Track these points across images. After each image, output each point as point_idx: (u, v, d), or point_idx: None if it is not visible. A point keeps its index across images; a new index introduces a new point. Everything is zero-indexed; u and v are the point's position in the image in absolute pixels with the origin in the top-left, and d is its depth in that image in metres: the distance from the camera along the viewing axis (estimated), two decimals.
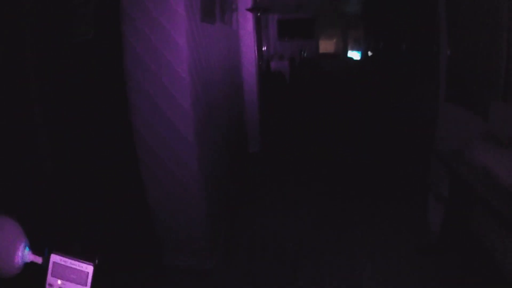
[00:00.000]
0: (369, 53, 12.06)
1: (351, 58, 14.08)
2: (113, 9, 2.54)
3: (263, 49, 11.70)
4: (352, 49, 14.11)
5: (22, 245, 0.89)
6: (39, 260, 0.91)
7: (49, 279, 0.90)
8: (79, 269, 0.90)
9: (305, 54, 13.79)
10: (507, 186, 2.33)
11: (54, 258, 0.90)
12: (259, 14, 5.61)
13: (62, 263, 0.90)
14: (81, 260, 0.91)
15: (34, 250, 0.92)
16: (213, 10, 3.34)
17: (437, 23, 4.55)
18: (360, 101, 10.70)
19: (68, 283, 0.90)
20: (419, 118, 6.73)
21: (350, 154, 5.93)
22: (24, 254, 0.90)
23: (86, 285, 0.90)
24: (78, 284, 0.90)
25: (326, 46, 14.41)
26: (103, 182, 2.91)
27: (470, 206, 3.36)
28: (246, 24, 5.44)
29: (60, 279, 0.90)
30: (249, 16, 5.46)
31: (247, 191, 4.73)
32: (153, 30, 2.52)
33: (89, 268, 0.90)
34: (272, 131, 7.21)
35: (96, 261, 0.91)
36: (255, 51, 5.55)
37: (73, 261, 0.91)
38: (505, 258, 2.97)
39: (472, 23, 3.69)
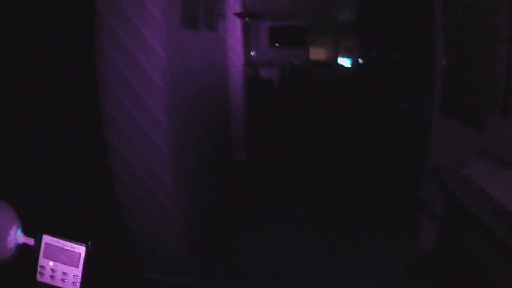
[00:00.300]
0: (360, 61, 11.95)
1: (342, 66, 13.97)
2: (90, 12, 2.34)
3: (252, 55, 11.53)
4: (343, 56, 14.00)
5: (14, 227, 0.88)
6: (31, 242, 0.89)
7: (41, 260, 0.89)
8: (71, 250, 0.88)
9: (295, 62, 13.64)
10: (503, 207, 2.17)
11: (46, 239, 0.88)
12: (247, 20, 5.41)
13: (55, 244, 0.88)
14: (74, 241, 0.89)
15: (27, 232, 0.91)
16: (197, 15, 3.15)
17: (432, 32, 4.40)
18: (351, 110, 10.57)
19: (60, 265, 0.88)
20: (412, 129, 6.59)
21: (338, 165, 5.75)
22: (17, 236, 0.89)
23: (78, 267, 0.88)
24: (70, 265, 0.88)
25: (317, 54, 14.29)
26: (76, 194, 2.69)
27: (465, 225, 3.19)
28: (234, 30, 5.25)
29: (52, 260, 0.88)
30: (238, 22, 5.27)
31: (231, 202, 4.54)
32: (128, 33, 2.32)
33: (81, 249, 0.88)
34: (258, 139, 7.02)
35: (89, 242, 0.89)
36: (242, 58, 5.36)
37: (65, 242, 0.89)
38: (499, 279, 2.81)
39: (470, 32, 3.54)
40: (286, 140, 7.31)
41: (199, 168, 3.41)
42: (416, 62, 6.57)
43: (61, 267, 0.89)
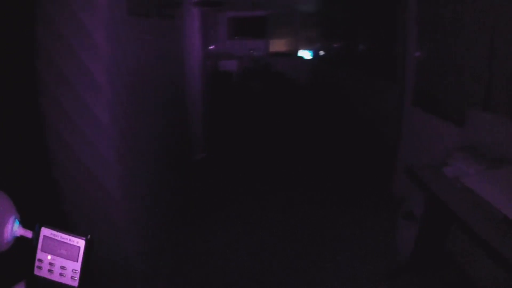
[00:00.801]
0: (321, 53, 11.75)
1: (302, 58, 13.75)
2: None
3: (211, 47, 11.09)
4: (304, 48, 13.79)
5: (12, 219, 0.86)
6: (29, 234, 0.87)
7: (39, 254, 0.86)
8: (70, 244, 0.85)
9: (255, 54, 13.32)
10: (491, 207, 1.98)
11: (45, 232, 0.86)
12: (206, 8, 5.05)
13: (53, 237, 0.86)
14: (73, 235, 0.86)
15: (25, 224, 0.88)
16: (147, 2, 2.79)
17: (401, 22, 4.19)
18: (314, 103, 10.35)
19: (58, 259, 0.86)
20: (380, 122, 6.43)
21: (305, 161, 5.50)
22: (14, 228, 0.86)
23: (77, 261, 0.85)
24: (69, 259, 0.85)
25: (277, 45, 14.02)
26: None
27: (446, 226, 3.00)
28: (192, 20, 4.88)
29: (51, 254, 0.86)
30: (196, 11, 4.90)
31: (191, 206, 4.23)
32: (67, 24, 1.94)
33: (80, 243, 0.85)
34: (219, 135, 6.68)
35: (89, 236, 0.86)
36: (201, 50, 4.99)
37: (64, 235, 0.86)
38: (480, 278, 2.70)
39: (447, 23, 3.35)
40: (248, 135, 7.00)
41: (154, 174, 3.05)
42: (382, 54, 6.40)
43: (60, 261, 0.86)
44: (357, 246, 3.41)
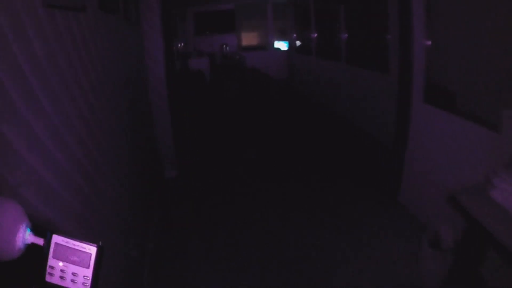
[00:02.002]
0: (298, 43, 11.08)
1: (278, 50, 13.07)
2: None
3: (179, 45, 10.27)
4: (279, 39, 13.11)
5: (23, 226, 0.83)
6: (40, 241, 0.84)
7: (51, 261, 0.85)
8: (81, 251, 0.84)
9: (227, 49, 12.55)
10: None
11: (56, 239, 0.84)
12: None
13: (64, 244, 0.84)
14: (84, 242, 0.84)
15: (36, 232, 0.84)
16: None
17: (405, 6, 3.52)
18: (295, 99, 9.60)
19: (70, 265, 0.85)
20: (368, 117, 5.81)
21: (293, 173, 4.80)
22: (25, 236, 0.83)
23: (88, 268, 0.84)
24: (80, 266, 0.85)
25: (249, 38, 13.32)
26: None
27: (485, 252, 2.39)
28: (152, 15, 4.13)
29: (62, 261, 0.84)
30: (156, 5, 4.16)
31: (164, 231, 3.59)
32: None
33: (92, 250, 0.84)
34: (192, 147, 5.89)
35: (100, 242, 0.85)
36: (163, 49, 4.25)
37: (75, 242, 0.84)
38: None
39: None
40: (226, 145, 6.16)
41: (117, 204, 2.33)
42: (370, 41, 5.77)
43: (71, 268, 0.85)
44: (367, 271, 2.81)
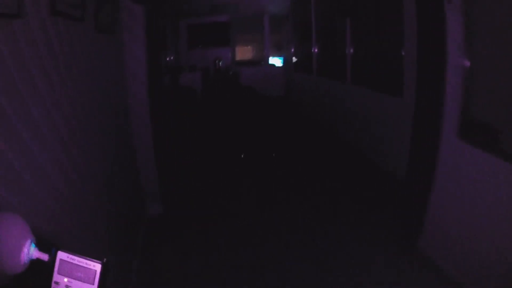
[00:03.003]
0: (294, 59, 10.50)
1: (272, 66, 12.50)
2: None
3: (168, 59, 9.55)
4: (274, 55, 12.55)
5: (28, 242, 0.86)
6: (45, 257, 0.87)
7: (56, 277, 0.87)
8: (86, 267, 0.86)
9: (220, 64, 11.94)
10: None
11: (61, 255, 0.87)
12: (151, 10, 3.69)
13: (69, 260, 0.87)
14: (89, 258, 0.86)
15: (41, 247, 0.87)
16: None
17: (436, 20, 2.91)
18: (294, 123, 8.80)
19: (75, 281, 0.87)
20: (375, 147, 5.20)
21: (289, 211, 4.15)
22: (30, 251, 0.86)
23: (93, 284, 0.86)
24: (85, 282, 0.87)
25: (244, 52, 12.76)
26: None
27: None
28: (134, 24, 3.53)
29: (67, 277, 0.87)
30: (139, 13, 3.56)
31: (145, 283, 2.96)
32: None
33: (97, 266, 0.86)
34: (180, 178, 5.16)
35: (105, 259, 0.87)
36: (145, 63, 3.60)
37: (80, 259, 0.87)
38: None
39: None
40: (218, 173, 5.47)
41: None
42: (380, 58, 5.18)
43: (76, 284, 0.87)
44: None
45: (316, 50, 8.09)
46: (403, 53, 4.50)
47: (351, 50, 6.05)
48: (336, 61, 6.82)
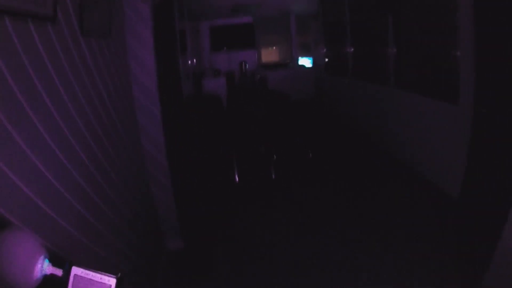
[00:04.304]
0: (325, 60, 9.71)
1: (302, 67, 11.70)
2: None
3: (189, 63, 8.74)
4: (302, 55, 11.79)
5: (41, 257, 0.87)
6: (59, 272, 0.88)
7: None
8: (101, 282, 0.87)
9: (246, 67, 11.17)
10: None
11: (76, 270, 0.88)
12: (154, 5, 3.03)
13: (84, 275, 0.87)
14: (104, 273, 0.87)
15: (54, 263, 0.88)
16: None
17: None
18: (332, 134, 7.77)
19: None
20: (429, 164, 4.45)
21: (329, 241, 3.44)
22: (44, 267, 0.88)
23: None
24: None
25: (270, 54, 12.04)
26: None
27: None
28: (139, 26, 2.91)
29: None
30: (145, 12, 2.93)
31: None
32: None
33: (111, 281, 0.86)
34: (203, 207, 4.37)
35: (119, 274, 0.87)
36: (155, 73, 2.95)
37: (95, 274, 0.87)
38: None
39: None
40: (248, 198, 4.64)
41: None
42: (432, 58, 4.40)
43: None
44: None
45: (351, 50, 7.27)
46: (458, 53, 3.76)
47: (394, 51, 5.28)
48: (375, 61, 6.04)
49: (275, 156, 5.60)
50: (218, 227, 3.87)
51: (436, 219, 3.56)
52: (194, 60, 9.63)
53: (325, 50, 9.35)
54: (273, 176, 5.17)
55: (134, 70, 2.90)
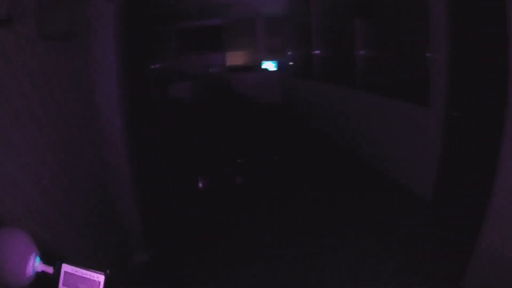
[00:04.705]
0: (290, 63, 9.73)
1: (266, 70, 11.66)
2: None
3: (154, 67, 8.46)
4: (268, 59, 11.76)
5: (33, 255, 0.89)
6: (50, 270, 0.90)
7: None
8: (90, 279, 0.88)
9: (212, 70, 11.06)
10: None
11: (66, 268, 0.89)
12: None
13: (74, 272, 0.89)
14: (93, 270, 0.88)
15: (45, 260, 0.89)
16: None
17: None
18: (299, 137, 7.60)
19: None
20: (396, 164, 4.51)
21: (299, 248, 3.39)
22: (35, 264, 0.89)
23: None
24: None
25: (236, 57, 11.96)
26: None
27: None
28: (102, 27, 2.77)
29: None
30: (108, 12, 2.80)
31: None
32: None
33: (100, 278, 0.88)
34: (169, 215, 4.09)
35: (108, 271, 0.88)
36: (116, 78, 2.79)
37: (84, 271, 0.89)
38: None
39: None
40: (216, 203, 4.52)
41: None
42: (399, 61, 4.45)
43: None
44: None
45: (317, 53, 7.27)
46: (428, 55, 3.82)
47: (361, 52, 5.32)
48: (343, 64, 6.05)
49: (240, 160, 5.52)
50: (186, 237, 3.75)
51: (411, 222, 3.58)
52: (161, 64, 9.43)
53: (291, 53, 9.34)
54: (238, 181, 5.09)
55: (95, 75, 2.77)
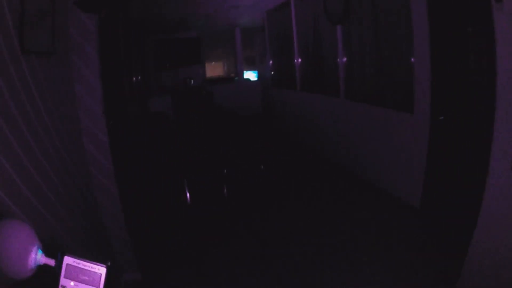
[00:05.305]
0: (271, 73, 9.70)
1: (247, 80, 11.66)
2: None
3: (135, 80, 8.29)
4: (248, 69, 11.76)
5: (35, 248, 0.89)
6: (51, 262, 0.90)
7: (62, 280, 0.89)
8: (92, 271, 0.88)
9: (192, 82, 10.90)
10: None
11: (67, 260, 0.89)
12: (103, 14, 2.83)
13: (75, 264, 0.89)
14: (94, 262, 0.89)
15: (47, 253, 0.90)
16: None
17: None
18: (283, 150, 7.52)
19: (81, 285, 0.89)
20: (382, 173, 4.51)
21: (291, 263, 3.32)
22: (37, 257, 0.89)
23: (98, 287, 0.88)
24: (90, 285, 0.88)
25: (215, 69, 11.92)
26: None
27: None
28: (85, 41, 2.70)
29: (73, 280, 0.89)
30: (91, 26, 2.73)
31: None
32: None
33: (102, 270, 0.88)
34: (160, 234, 3.99)
35: (109, 263, 0.89)
36: (100, 93, 2.72)
37: (86, 263, 0.89)
38: None
39: None
40: (206, 222, 4.36)
41: None
42: (380, 68, 4.49)
43: (82, 287, 0.89)
44: None
45: (299, 62, 7.27)
46: (412, 62, 3.85)
47: (344, 60, 5.33)
48: (325, 73, 6.07)
49: (225, 171, 5.42)
50: (176, 255, 3.64)
51: (400, 230, 3.56)
52: (139, 77, 9.30)
53: (271, 62, 9.31)
54: (225, 194, 5.00)
55: (79, 92, 2.69)
